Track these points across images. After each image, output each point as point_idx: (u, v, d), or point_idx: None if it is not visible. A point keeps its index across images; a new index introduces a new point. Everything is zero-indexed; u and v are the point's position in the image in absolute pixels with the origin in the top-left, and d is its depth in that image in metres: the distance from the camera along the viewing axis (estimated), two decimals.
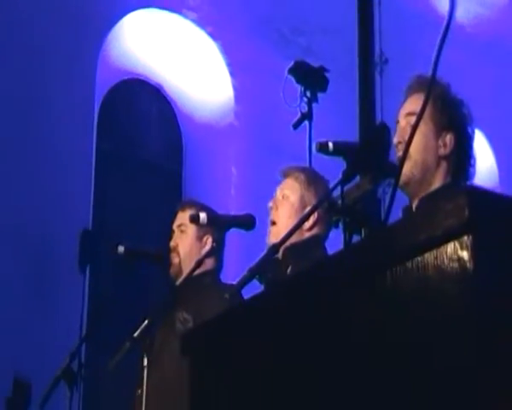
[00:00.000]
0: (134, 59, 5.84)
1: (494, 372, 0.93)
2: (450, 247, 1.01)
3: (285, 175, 2.76)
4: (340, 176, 1.89)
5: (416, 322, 1.04)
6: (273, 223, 2.66)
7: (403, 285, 1.07)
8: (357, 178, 1.92)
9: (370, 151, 1.84)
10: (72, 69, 5.22)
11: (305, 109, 4.35)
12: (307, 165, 3.00)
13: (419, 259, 1.05)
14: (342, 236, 1.87)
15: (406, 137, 2.05)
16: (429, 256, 1.04)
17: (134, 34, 5.78)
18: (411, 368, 1.03)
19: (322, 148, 2.21)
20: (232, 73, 5.89)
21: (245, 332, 1.37)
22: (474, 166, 2.13)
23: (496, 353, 0.95)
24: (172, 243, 3.00)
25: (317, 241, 2.64)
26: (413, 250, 1.05)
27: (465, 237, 0.99)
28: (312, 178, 2.71)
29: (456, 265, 1.00)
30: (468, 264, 0.98)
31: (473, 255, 0.98)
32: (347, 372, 1.14)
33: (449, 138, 2.10)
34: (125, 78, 5.86)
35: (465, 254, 0.99)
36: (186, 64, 5.97)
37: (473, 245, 0.98)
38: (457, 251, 1.00)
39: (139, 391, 2.64)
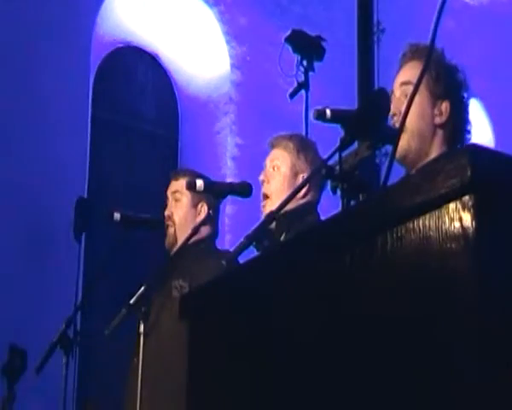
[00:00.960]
0: (130, 27, 5.79)
1: (496, 334, 0.93)
2: (451, 207, 1.00)
3: (273, 145, 2.74)
4: (338, 142, 1.89)
5: (417, 283, 1.03)
6: (266, 196, 2.65)
7: (404, 246, 1.06)
8: (355, 144, 1.91)
9: (368, 116, 1.82)
10: (67, 37, 5.17)
11: (302, 78, 4.33)
12: (295, 132, 2.98)
13: (420, 220, 1.04)
14: (340, 202, 1.86)
15: (401, 108, 2.04)
16: (430, 217, 1.03)
17: (130, 2, 5.72)
18: (413, 332, 1.02)
19: (320, 115, 2.19)
20: (229, 42, 5.85)
21: (242, 295, 1.37)
22: (470, 132, 2.12)
23: (498, 314, 0.95)
24: (167, 212, 2.99)
25: (310, 207, 2.64)
26: (414, 211, 1.04)
27: (467, 198, 0.98)
28: (301, 145, 2.70)
29: (457, 225, 0.99)
30: (469, 224, 0.97)
31: (474, 216, 0.97)
32: (346, 338, 1.14)
33: (444, 106, 2.08)
34: (121, 46, 5.81)
35: (467, 215, 0.98)
36: (182, 32, 5.92)
37: (474, 205, 0.97)
38: (459, 211, 0.99)
39: (135, 360, 2.64)
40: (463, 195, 0.98)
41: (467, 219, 0.98)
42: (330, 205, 2.57)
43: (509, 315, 0.95)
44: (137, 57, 5.92)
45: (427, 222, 1.03)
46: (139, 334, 2.57)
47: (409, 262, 1.05)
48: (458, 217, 0.99)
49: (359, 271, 1.12)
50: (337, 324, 1.15)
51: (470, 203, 0.98)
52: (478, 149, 1.01)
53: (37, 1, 5.08)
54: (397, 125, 2.07)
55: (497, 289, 0.96)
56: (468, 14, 6.53)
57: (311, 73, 4.32)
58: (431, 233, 1.03)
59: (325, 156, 1.94)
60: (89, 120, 5.28)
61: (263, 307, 1.33)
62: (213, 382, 1.43)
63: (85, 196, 4.83)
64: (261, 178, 2.70)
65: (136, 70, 5.91)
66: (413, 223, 1.05)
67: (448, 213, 1.00)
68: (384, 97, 1.82)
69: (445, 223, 1.01)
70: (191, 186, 2.74)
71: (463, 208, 0.99)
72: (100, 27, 5.49)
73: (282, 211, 2.39)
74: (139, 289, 2.61)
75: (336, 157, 1.88)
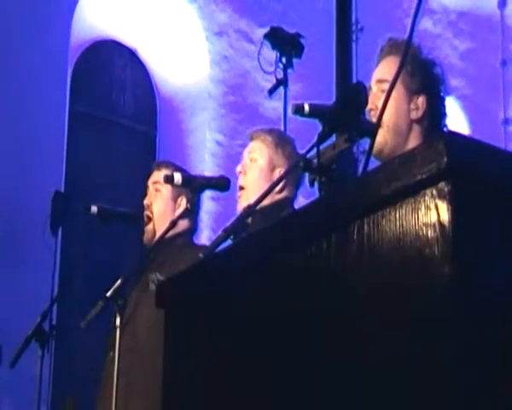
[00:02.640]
0: (109, 20, 5.76)
1: (471, 321, 0.94)
2: (427, 194, 1.00)
3: (252, 138, 2.75)
4: (316, 136, 1.89)
5: (393, 271, 1.04)
6: (241, 188, 2.66)
7: (380, 234, 1.06)
8: (334, 137, 1.92)
9: (346, 109, 1.83)
10: (45, 30, 5.12)
11: (281, 75, 4.34)
12: (275, 127, 2.99)
13: (397, 206, 1.04)
14: (318, 195, 1.87)
15: (378, 104, 2.05)
16: (407, 204, 1.03)
17: None
18: (389, 320, 1.03)
19: (298, 110, 2.20)
20: (208, 38, 5.84)
21: (218, 283, 1.36)
22: (446, 126, 2.14)
23: (471, 300, 0.96)
24: (146, 201, 2.99)
25: (287, 203, 2.65)
26: (390, 198, 1.04)
27: (443, 184, 0.98)
28: (279, 140, 2.70)
29: (433, 212, 1.00)
30: (445, 211, 0.98)
31: (450, 203, 0.98)
32: (323, 326, 1.14)
33: (420, 101, 2.09)
34: (100, 39, 5.78)
35: (442, 202, 0.99)
36: (161, 27, 5.90)
37: (450, 192, 0.97)
38: (435, 198, 0.99)
39: (111, 353, 2.63)
40: (439, 181, 0.99)
41: (442, 206, 0.99)
42: (308, 199, 2.58)
43: (485, 302, 0.97)
44: (116, 52, 5.89)
45: (403, 209, 1.04)
46: (115, 327, 2.56)
47: (385, 250, 1.05)
48: (434, 204, 1.00)
49: (336, 258, 1.12)
50: (313, 312, 1.16)
51: (446, 190, 0.98)
52: (454, 136, 1.01)
53: None
54: (374, 119, 2.08)
55: (472, 276, 0.97)
56: (446, 15, 6.58)
57: (289, 70, 4.33)
58: (407, 220, 1.03)
59: (303, 150, 1.95)
60: (66, 113, 5.24)
61: (238, 296, 1.33)
62: (189, 371, 1.43)
63: (62, 189, 4.79)
64: (238, 169, 2.71)
65: (115, 64, 5.88)
66: (389, 210, 1.05)
67: (424, 200, 1.01)
68: (362, 90, 1.82)
69: (421, 210, 1.02)
70: (169, 179, 2.74)
71: (439, 195, 0.99)
72: (78, 21, 5.46)
73: (259, 206, 2.40)
74: (116, 281, 2.60)
75: (314, 151, 1.88)
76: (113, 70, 5.87)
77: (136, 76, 5.94)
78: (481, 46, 6.42)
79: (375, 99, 2.13)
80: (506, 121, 6.15)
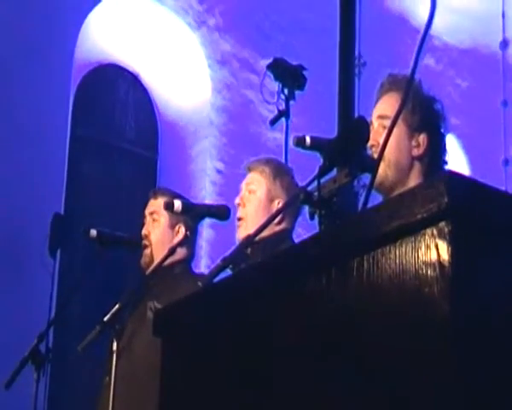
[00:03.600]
0: (112, 45, 5.80)
1: (470, 356, 0.95)
2: (428, 233, 1.02)
3: (250, 169, 2.75)
4: (317, 169, 1.91)
5: (392, 308, 1.05)
6: (240, 219, 2.66)
7: (380, 271, 1.08)
8: (335, 171, 1.94)
9: (348, 144, 1.85)
10: (48, 54, 5.16)
11: (283, 106, 4.37)
12: (272, 157, 3.00)
13: (397, 244, 1.06)
14: (318, 229, 1.88)
15: (379, 140, 2.07)
16: (407, 242, 1.05)
17: (112, 21, 5.74)
18: (387, 356, 1.04)
19: (300, 142, 2.22)
20: (210, 66, 5.88)
21: (216, 312, 1.37)
22: (447, 163, 2.16)
23: (470, 340, 0.97)
24: (144, 231, 2.99)
25: (285, 235, 2.66)
26: (391, 235, 1.06)
27: (443, 224, 1.00)
28: (277, 171, 2.71)
29: (433, 252, 1.01)
30: (445, 251, 0.99)
31: (450, 243, 0.99)
32: (322, 359, 1.15)
33: (422, 138, 2.10)
34: (103, 63, 5.82)
35: (443, 242, 1.00)
36: (164, 53, 5.94)
37: (451, 232, 0.99)
38: (435, 238, 1.01)
39: (107, 379, 2.62)
40: (440, 221, 1.00)
41: (442, 245, 1.00)
42: (307, 232, 2.59)
43: (484, 342, 0.97)
44: (119, 76, 5.93)
45: (403, 247, 1.05)
46: (112, 352, 2.56)
47: (385, 287, 1.07)
48: (434, 243, 1.01)
49: (335, 293, 1.13)
50: (311, 345, 1.16)
51: (446, 230, 1.00)
52: (455, 176, 1.03)
53: (18, 18, 5.08)
54: (375, 155, 2.10)
55: (471, 316, 0.98)
56: (448, 53, 6.64)
57: (291, 102, 4.36)
58: (407, 258, 1.05)
59: (304, 183, 1.96)
60: (68, 136, 5.27)
61: (236, 327, 1.33)
62: (186, 399, 1.43)
63: (62, 212, 4.80)
64: (237, 201, 2.71)
65: (118, 89, 5.92)
66: (389, 247, 1.07)
67: (424, 239, 1.02)
68: (364, 125, 1.85)
69: (421, 249, 1.03)
70: (169, 207, 2.75)
71: (439, 235, 1.01)
72: (82, 45, 5.50)
73: (257, 238, 2.40)
74: (114, 307, 2.60)
75: (315, 184, 1.90)
76: (116, 94, 5.90)
77: (139, 101, 5.98)
78: (482, 85, 6.47)
79: (376, 135, 2.14)
80: (507, 162, 6.17)
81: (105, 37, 5.77)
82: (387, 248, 1.07)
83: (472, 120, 6.32)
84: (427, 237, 1.03)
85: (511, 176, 6.11)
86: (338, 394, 1.09)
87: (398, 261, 1.06)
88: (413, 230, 1.04)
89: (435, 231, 1.01)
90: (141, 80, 6.01)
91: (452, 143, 5.74)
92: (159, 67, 5.98)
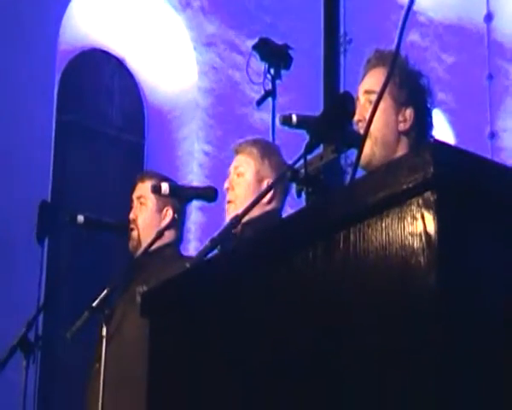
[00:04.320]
0: (97, 30, 5.75)
1: (456, 326, 0.94)
2: (413, 203, 1.00)
3: (237, 151, 2.73)
4: (303, 147, 1.89)
5: (379, 280, 1.04)
6: (229, 202, 2.64)
7: (366, 243, 1.06)
8: (321, 148, 1.92)
9: (333, 119, 1.83)
10: (32, 39, 5.11)
11: (269, 86, 4.35)
12: (259, 137, 2.97)
13: (383, 216, 1.04)
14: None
15: (366, 115, 2.06)
16: (393, 213, 1.03)
17: (96, 4, 5.68)
18: (373, 329, 1.02)
19: (286, 120, 2.20)
20: (196, 48, 5.84)
21: (204, 292, 1.36)
22: (433, 138, 2.14)
23: (455, 308, 0.95)
24: (132, 215, 2.96)
25: (276, 214, 2.64)
26: (376, 207, 1.04)
27: (429, 193, 0.98)
28: (265, 151, 2.69)
29: (419, 222, 1.00)
30: (431, 221, 0.98)
31: (436, 213, 0.97)
32: (310, 332, 1.14)
33: (408, 113, 2.09)
34: (87, 48, 5.77)
35: (428, 211, 0.98)
36: (150, 37, 5.89)
37: (436, 202, 0.97)
38: (421, 208, 0.99)
39: (97, 365, 2.61)
40: (425, 191, 0.99)
41: (428, 215, 0.98)
42: (294, 208, 2.58)
43: (470, 310, 0.96)
44: (104, 61, 5.88)
45: (389, 218, 1.04)
46: (101, 337, 2.54)
47: (371, 259, 1.05)
48: (420, 214, 1.00)
49: (322, 267, 1.12)
50: (299, 320, 1.15)
51: (432, 199, 0.98)
52: (441, 145, 1.02)
53: (1, 5, 5.01)
54: (361, 131, 2.08)
55: (457, 285, 0.97)
56: (433, 28, 6.62)
57: (278, 82, 4.34)
58: (393, 230, 1.03)
59: (291, 161, 1.95)
60: (53, 123, 5.22)
61: (223, 305, 1.32)
62: (174, 378, 1.42)
63: (49, 199, 4.77)
64: (226, 186, 2.68)
65: (103, 74, 5.87)
66: (376, 219, 1.05)
67: (410, 209, 1.01)
68: (349, 100, 1.83)
69: (407, 219, 1.01)
70: (156, 190, 2.72)
71: (425, 205, 0.99)
72: (65, 31, 5.45)
73: (247, 219, 2.39)
74: (102, 292, 2.58)
75: (302, 162, 1.88)
76: (101, 79, 5.85)
77: (124, 85, 5.93)
78: (468, 60, 6.46)
79: (362, 110, 2.13)
80: (492, 135, 6.18)
81: (89, 21, 5.71)
82: (373, 219, 1.06)
83: (458, 94, 6.31)
84: (413, 207, 1.01)
85: (497, 149, 6.13)
86: (327, 365, 1.08)
87: (384, 233, 1.04)
88: (399, 200, 1.03)
89: (421, 202, 1.00)
90: (126, 65, 5.96)
91: (439, 118, 5.74)
92: (144, 50, 5.93)
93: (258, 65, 4.45)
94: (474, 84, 6.36)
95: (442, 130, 5.96)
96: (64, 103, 5.50)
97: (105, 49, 5.85)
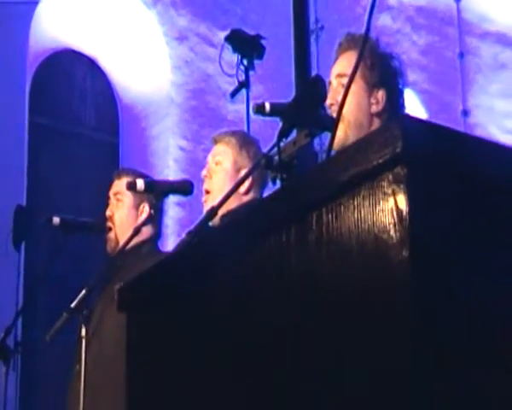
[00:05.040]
0: (67, 30, 5.69)
1: (428, 299, 0.92)
2: (384, 179, 0.98)
3: (216, 141, 2.73)
4: (277, 134, 1.87)
5: (353, 259, 1.02)
6: (207, 192, 2.63)
7: (339, 222, 1.04)
8: (294, 134, 1.90)
9: (305, 103, 1.81)
10: (1, 42, 5.04)
11: (243, 78, 4.32)
12: (238, 128, 2.98)
13: (354, 193, 1.02)
14: None
15: (338, 98, 2.04)
16: (364, 190, 1.01)
17: (65, 5, 5.62)
18: (348, 307, 1.00)
19: (259, 109, 2.19)
20: (168, 43, 5.80)
21: (180, 283, 1.33)
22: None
23: (427, 283, 0.93)
24: (108, 212, 2.94)
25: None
26: (347, 185, 1.02)
27: (399, 169, 0.96)
28: (243, 141, 2.69)
29: (390, 198, 0.97)
30: (402, 197, 0.96)
31: (407, 188, 0.95)
32: (286, 315, 1.12)
33: (380, 95, 2.10)
34: (58, 49, 5.70)
35: (399, 187, 0.96)
36: (121, 34, 5.84)
37: (407, 177, 0.95)
38: (392, 184, 0.97)
39: (77, 367, 2.57)
40: (396, 166, 0.97)
41: (399, 191, 0.96)
42: None
43: (441, 286, 0.94)
44: (75, 61, 5.82)
45: (361, 196, 1.01)
46: (81, 338, 2.51)
47: (344, 238, 1.03)
48: (391, 189, 0.98)
49: (295, 248, 1.10)
50: (274, 302, 1.13)
51: (402, 174, 0.96)
52: (410, 119, 0.99)
53: None
54: (334, 114, 2.06)
55: (429, 260, 0.95)
56: (404, 10, 6.62)
57: (251, 72, 4.32)
58: (365, 207, 1.01)
59: (266, 149, 1.93)
60: (26, 126, 5.16)
61: (200, 293, 1.30)
62: (152, 369, 1.39)
63: (24, 204, 4.71)
64: (203, 173, 2.68)
65: (75, 75, 5.81)
66: (347, 197, 1.03)
67: (381, 185, 0.99)
68: (320, 83, 1.81)
69: (378, 196, 0.99)
70: (131, 186, 2.69)
71: (396, 180, 0.97)
72: (35, 33, 5.38)
73: (226, 210, 2.36)
74: (80, 292, 2.55)
75: (276, 149, 1.86)
76: (73, 80, 5.79)
77: (97, 85, 5.88)
78: (439, 40, 6.48)
79: (335, 94, 2.13)
80: (465, 113, 6.21)
81: (58, 22, 5.64)
82: (345, 198, 1.04)
83: (430, 74, 6.33)
84: (383, 183, 0.99)
85: (471, 126, 6.15)
86: (306, 344, 1.05)
87: (356, 211, 1.02)
88: (370, 177, 1.01)
89: (391, 177, 0.98)
90: (98, 64, 5.90)
91: (412, 99, 5.74)
92: (116, 49, 5.88)
93: (231, 57, 4.42)
94: (446, 64, 6.37)
95: (415, 111, 5.97)
96: (36, 106, 5.44)
97: (76, 49, 5.80)
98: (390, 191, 0.98)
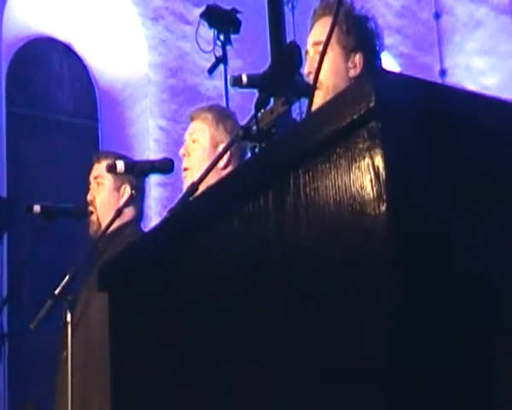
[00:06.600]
0: (41, 16, 5.60)
1: (407, 255, 0.89)
2: (359, 136, 0.95)
3: (192, 118, 2.70)
4: (254, 104, 1.84)
5: (331, 220, 0.99)
6: (185, 169, 2.60)
7: (316, 182, 1.01)
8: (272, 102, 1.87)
9: (281, 71, 1.78)
10: None
11: (220, 53, 4.27)
12: (214, 103, 2.94)
13: (330, 153, 0.99)
14: None
15: (316, 66, 2.01)
16: (340, 149, 0.98)
17: None
18: (329, 270, 0.98)
19: (237, 82, 2.16)
20: (144, 24, 5.72)
21: (158, 258, 1.31)
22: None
23: (406, 239, 0.91)
24: (89, 197, 2.90)
25: None
26: (322, 144, 0.99)
27: (373, 124, 0.93)
28: (220, 116, 2.65)
29: (366, 154, 0.94)
30: (377, 153, 0.93)
31: (382, 142, 0.93)
32: (267, 283, 1.09)
33: (358, 58, 2.08)
34: (33, 37, 5.62)
35: (374, 143, 0.93)
36: (96, 18, 5.76)
37: (381, 132, 0.92)
38: (366, 140, 0.94)
39: (64, 354, 2.55)
40: (370, 121, 0.94)
41: (374, 146, 0.94)
42: None
43: (420, 241, 0.92)
44: (51, 48, 5.74)
45: (336, 154, 0.99)
46: (66, 323, 2.48)
47: (322, 197, 1.00)
48: (367, 145, 0.95)
49: (273, 212, 1.07)
50: (254, 269, 1.10)
51: (377, 129, 0.93)
52: (383, 73, 0.97)
53: None
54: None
55: (407, 214, 0.92)
56: None
57: (228, 47, 4.27)
58: (341, 164, 0.98)
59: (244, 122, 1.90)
60: (3, 115, 5.09)
61: (181, 266, 1.27)
62: (136, 348, 1.37)
63: (5, 194, 4.65)
64: (181, 152, 2.65)
65: (51, 61, 5.73)
66: (324, 157, 1.00)
67: (356, 142, 0.96)
68: (295, 50, 1.77)
69: (353, 152, 0.96)
70: (111, 169, 2.66)
71: (370, 136, 0.94)
72: (8, 21, 5.29)
73: (206, 186, 2.33)
74: (64, 278, 2.52)
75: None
76: (50, 67, 5.72)
77: (74, 71, 5.81)
78: (415, 1, 6.44)
79: (312, 62, 2.11)
80: (443, 72, 6.19)
81: (31, 10, 5.56)
82: (321, 158, 1.01)
83: (407, 37, 6.30)
84: (358, 140, 0.96)
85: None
86: (284, 317, 1.02)
87: (333, 169, 0.99)
88: (345, 134, 0.98)
89: (366, 133, 0.95)
90: (74, 49, 5.82)
91: (390, 63, 5.72)
92: (91, 33, 5.80)
93: (208, 33, 4.37)
94: (422, 25, 6.34)
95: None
96: (13, 94, 5.36)
97: (51, 35, 5.71)
98: (365, 147, 0.95)
